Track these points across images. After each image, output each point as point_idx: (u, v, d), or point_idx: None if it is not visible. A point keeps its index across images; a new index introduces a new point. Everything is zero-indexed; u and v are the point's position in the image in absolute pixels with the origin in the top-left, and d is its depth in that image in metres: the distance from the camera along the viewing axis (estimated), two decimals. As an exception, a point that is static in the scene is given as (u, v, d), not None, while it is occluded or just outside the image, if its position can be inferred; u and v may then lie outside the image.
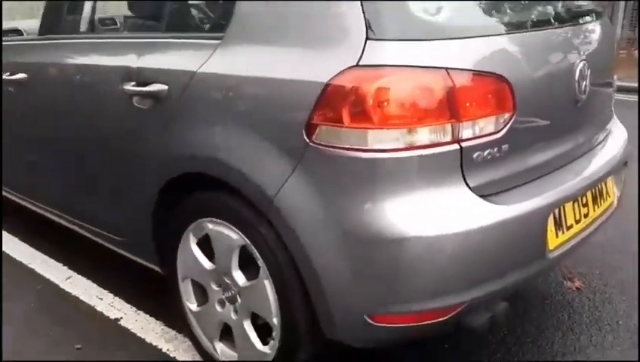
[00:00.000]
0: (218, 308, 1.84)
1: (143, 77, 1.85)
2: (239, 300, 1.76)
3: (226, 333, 1.87)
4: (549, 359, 2.00)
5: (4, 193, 2.93)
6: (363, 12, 1.43)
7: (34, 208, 2.75)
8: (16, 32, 3.07)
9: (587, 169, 1.88)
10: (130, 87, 1.86)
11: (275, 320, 1.66)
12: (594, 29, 1.99)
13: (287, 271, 1.59)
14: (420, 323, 1.53)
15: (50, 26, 2.35)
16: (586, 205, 1.84)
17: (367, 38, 1.42)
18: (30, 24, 3.19)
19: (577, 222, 1.79)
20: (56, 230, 2.83)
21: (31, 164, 2.51)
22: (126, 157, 1.98)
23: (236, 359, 1.85)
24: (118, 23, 2.78)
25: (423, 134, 1.43)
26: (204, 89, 1.68)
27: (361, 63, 1.41)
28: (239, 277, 1.74)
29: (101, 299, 2.44)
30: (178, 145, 1.75)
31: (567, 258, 1.89)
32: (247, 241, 1.66)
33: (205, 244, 1.83)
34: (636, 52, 8.71)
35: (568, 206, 1.74)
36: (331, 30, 1.49)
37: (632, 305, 2.29)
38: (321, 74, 1.44)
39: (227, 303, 1.81)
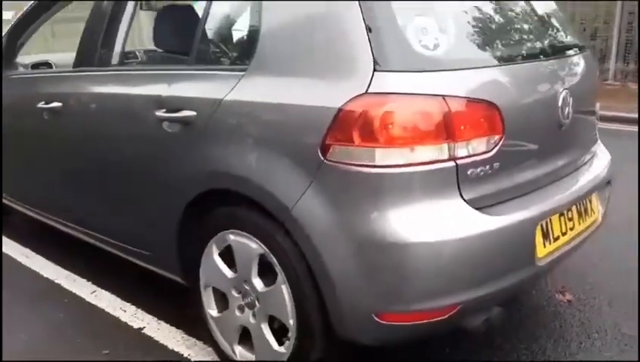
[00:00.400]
0: (238, 313, 2.02)
1: (173, 104, 2.07)
2: (258, 305, 1.94)
3: (244, 337, 2.05)
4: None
5: (34, 214, 3.13)
6: (371, 47, 1.65)
7: (61, 228, 2.94)
8: (47, 64, 3.31)
9: (572, 186, 2.08)
10: (161, 113, 2.08)
11: (291, 322, 1.84)
12: (577, 62, 2.22)
13: (302, 276, 1.77)
14: (421, 322, 1.70)
15: (83, 59, 2.58)
16: (571, 219, 2.03)
17: (374, 70, 1.64)
18: (59, 57, 3.46)
19: (563, 234, 1.98)
20: (81, 248, 3.04)
21: (63, 185, 2.72)
22: (155, 176, 2.19)
23: (254, 360, 2.02)
24: (146, 57, 3.01)
25: (424, 152, 1.63)
26: (230, 114, 1.90)
27: (369, 91, 1.63)
28: (258, 284, 1.92)
29: (125, 310, 2.61)
30: (205, 164, 1.96)
31: (555, 266, 2.06)
32: (266, 250, 1.85)
33: (226, 255, 2.02)
34: (630, 84, 8.96)
35: (555, 219, 1.94)
36: (343, 63, 1.71)
37: (619, 316, 2.45)
38: (334, 100, 1.66)
39: (246, 308, 1.99)
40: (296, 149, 1.73)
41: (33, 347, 2.35)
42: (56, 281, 2.91)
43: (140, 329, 2.46)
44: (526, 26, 2.11)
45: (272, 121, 1.81)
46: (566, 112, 1.99)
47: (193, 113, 1.99)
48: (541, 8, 2.23)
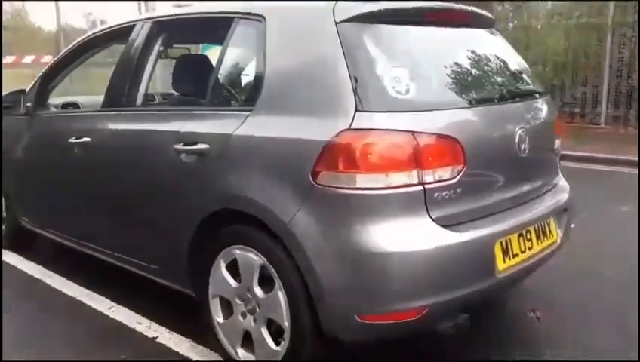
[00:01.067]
0: (240, 318, 2.33)
1: (189, 138, 2.44)
2: (258, 310, 2.26)
3: (245, 339, 2.36)
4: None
5: (59, 239, 3.47)
6: (354, 92, 2.02)
7: (84, 250, 3.28)
8: (74, 104, 3.72)
9: (531, 211, 2.41)
10: (180, 146, 2.45)
11: (286, 324, 2.15)
12: (535, 105, 2.59)
13: (296, 283, 2.09)
14: (395, 321, 2.02)
15: (111, 100, 2.97)
16: (530, 239, 2.35)
17: (356, 110, 2.00)
18: (84, 98, 3.88)
19: (522, 252, 2.30)
20: (99, 269, 3.37)
21: (89, 211, 3.07)
22: (171, 200, 2.54)
23: (254, 360, 2.32)
24: (165, 99, 3.41)
25: (396, 178, 1.98)
26: (238, 147, 2.26)
27: (352, 127, 1.99)
28: (259, 291, 2.24)
29: (140, 323, 2.91)
30: (216, 189, 2.31)
31: (517, 280, 2.38)
32: (266, 262, 2.18)
33: (231, 267, 2.34)
34: (620, 129, 9.35)
35: (514, 238, 2.27)
36: (331, 104, 2.07)
37: (583, 330, 2.74)
38: (323, 135, 2.02)
39: (248, 314, 2.31)
40: (292, 175, 2.08)
41: (56, 355, 2.64)
42: (77, 298, 3.23)
43: (154, 338, 2.76)
44: (487, 75, 2.48)
45: (272, 151, 2.17)
46: (522, 147, 2.34)
47: (207, 146, 2.36)
48: (503, 59, 2.61)
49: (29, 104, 3.49)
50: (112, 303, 3.14)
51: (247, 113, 2.30)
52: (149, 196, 2.66)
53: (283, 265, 2.12)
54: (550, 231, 2.50)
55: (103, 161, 2.91)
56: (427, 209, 2.03)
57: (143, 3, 10.13)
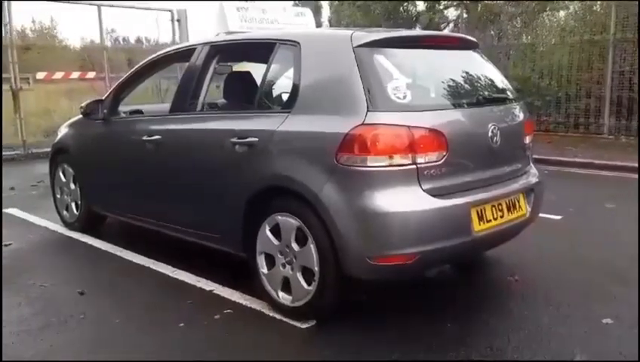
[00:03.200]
0: (281, 268, 3.10)
1: (242, 134, 3.23)
2: (294, 261, 3.03)
3: (284, 285, 3.12)
4: (487, 311, 3.18)
5: (130, 220, 4.29)
6: (366, 98, 2.79)
7: (150, 226, 4.09)
8: (139, 111, 4.56)
9: (503, 188, 3.16)
10: (235, 140, 3.24)
11: (316, 268, 2.92)
12: (507, 108, 3.34)
13: (323, 237, 2.86)
14: (396, 263, 2.77)
15: (177, 106, 3.80)
16: (501, 210, 3.10)
17: (367, 110, 2.78)
18: (146, 107, 4.72)
19: (494, 219, 3.05)
20: (160, 242, 4.17)
21: (158, 193, 3.89)
22: (228, 181, 3.33)
23: (291, 299, 3.08)
24: (219, 105, 4.23)
25: (397, 159, 2.75)
26: (281, 139, 3.05)
27: (364, 123, 2.76)
28: (295, 246, 3.01)
29: (199, 281, 3.69)
30: (264, 170, 3.09)
31: (490, 242, 3.12)
32: (301, 223, 2.95)
33: (273, 230, 3.12)
34: (622, 138, 9.97)
35: (488, 207, 3.01)
36: (349, 106, 2.85)
37: (545, 290, 3.46)
38: (344, 128, 2.79)
39: (287, 264, 3.08)
40: (321, 158, 2.86)
41: (134, 303, 3.43)
42: (145, 265, 4.03)
43: (211, 291, 3.54)
44: (467, 85, 3.25)
45: (306, 141, 2.96)
46: (494, 140, 3.09)
47: (256, 139, 3.15)
48: (482, 73, 3.37)
49: (105, 111, 4.33)
50: (174, 268, 3.92)
51: (287, 114, 3.09)
52: (211, 179, 3.45)
53: (314, 225, 2.89)
54: (519, 206, 3.24)
55: (172, 153, 3.72)
56: (419, 182, 2.79)
57: (176, 25, 10.99)
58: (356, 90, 2.84)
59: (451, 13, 15.52)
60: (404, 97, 2.85)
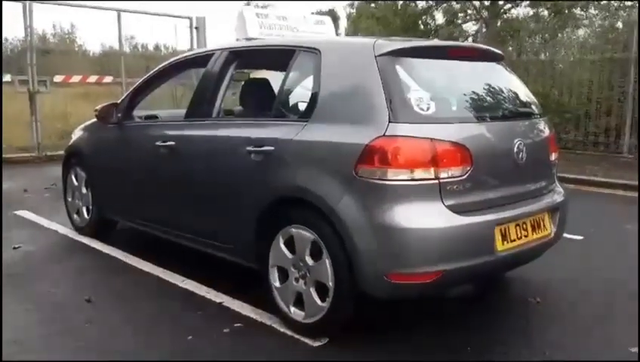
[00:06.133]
0: (294, 282, 2.99)
1: (258, 142, 3.14)
2: (308, 275, 2.92)
3: (297, 300, 3.00)
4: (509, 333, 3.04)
5: (142, 227, 4.21)
6: (388, 108, 2.69)
7: (162, 235, 4.00)
8: (154, 116, 4.49)
9: (528, 207, 3.03)
10: (251, 148, 3.15)
11: (331, 284, 2.80)
12: (533, 123, 3.22)
13: (339, 253, 2.74)
14: (416, 282, 2.65)
15: (193, 112, 3.72)
16: (525, 229, 2.97)
17: (389, 122, 2.67)
18: (162, 112, 4.65)
19: (518, 238, 2.92)
20: (169, 250, 4.08)
21: (172, 201, 3.80)
22: (243, 190, 3.23)
23: (304, 315, 2.96)
24: (235, 112, 4.14)
25: (418, 173, 2.64)
26: (299, 148, 2.95)
27: (385, 134, 2.66)
28: (309, 260, 2.90)
29: (208, 292, 3.59)
30: (280, 180, 2.99)
31: (513, 262, 2.98)
32: (317, 237, 2.84)
33: (287, 243, 3.01)
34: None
35: (512, 226, 2.88)
36: (370, 117, 2.75)
37: (568, 314, 3.31)
38: (364, 139, 2.69)
39: (300, 279, 2.96)
40: (339, 169, 2.75)
41: (146, 313, 3.33)
42: (154, 274, 3.94)
43: (220, 303, 3.43)
44: (492, 98, 3.13)
45: (324, 151, 2.85)
46: (520, 156, 2.97)
47: (272, 148, 3.06)
48: (507, 86, 3.26)
49: (119, 115, 4.27)
50: (184, 278, 3.82)
51: (305, 123, 2.99)
52: (224, 187, 3.36)
53: (330, 239, 2.77)
54: (544, 225, 3.11)
55: (185, 159, 3.63)
56: (441, 197, 2.67)
57: (194, 32, 10.99)
58: (378, 100, 2.73)
59: (470, 27, 15.44)
60: (428, 109, 2.74)
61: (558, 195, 3.32)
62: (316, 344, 2.90)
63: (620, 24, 11.38)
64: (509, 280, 3.74)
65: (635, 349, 2.83)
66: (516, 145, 2.96)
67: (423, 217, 2.63)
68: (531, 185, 3.14)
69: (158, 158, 3.81)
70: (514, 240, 2.89)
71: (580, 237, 4.84)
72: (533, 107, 3.36)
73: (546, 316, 3.28)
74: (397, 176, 2.63)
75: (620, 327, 3.11)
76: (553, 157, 3.36)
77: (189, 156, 3.62)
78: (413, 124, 2.69)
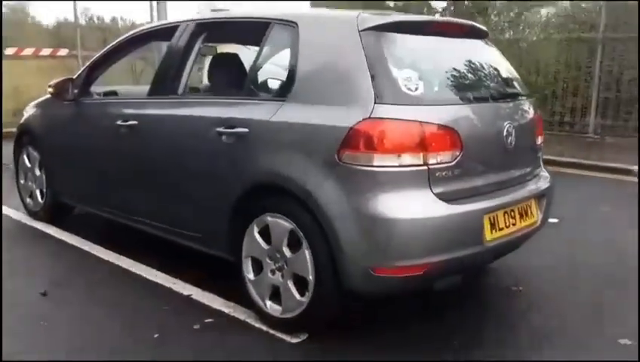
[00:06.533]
0: (270, 275, 2.78)
1: (230, 123, 2.89)
2: (286, 267, 2.71)
3: (273, 293, 2.80)
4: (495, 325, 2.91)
5: (101, 213, 3.91)
6: (373, 88, 2.48)
7: (124, 221, 3.72)
8: (114, 93, 4.17)
9: (515, 193, 2.88)
10: (221, 129, 2.89)
11: (311, 277, 2.60)
12: (521, 105, 3.06)
13: (320, 243, 2.54)
14: (403, 275, 2.47)
15: (157, 89, 3.42)
16: (513, 217, 2.82)
17: (375, 103, 2.46)
18: (122, 88, 4.33)
19: (507, 226, 2.76)
20: (133, 239, 3.82)
21: (134, 185, 3.52)
22: (213, 175, 2.99)
23: (281, 310, 2.76)
24: (203, 90, 3.84)
25: (406, 159, 2.44)
26: (275, 130, 2.71)
27: (371, 116, 2.45)
28: (287, 252, 2.69)
29: (174, 283, 3.34)
30: (256, 165, 2.75)
31: (501, 251, 2.84)
32: (295, 226, 2.62)
33: (262, 232, 2.79)
34: (607, 138, 9.84)
35: (500, 214, 2.73)
36: (354, 97, 2.53)
37: (552, 303, 3.20)
38: (347, 122, 2.47)
39: (277, 271, 2.75)
40: (320, 154, 2.53)
41: (102, 309, 3.07)
42: (115, 263, 3.66)
43: (189, 296, 3.19)
44: (482, 78, 2.95)
45: (304, 134, 2.62)
46: (509, 140, 2.81)
47: (245, 129, 2.81)
48: (495, 65, 3.08)
49: (76, 91, 3.93)
50: (148, 267, 3.57)
51: (281, 103, 2.75)
52: (193, 171, 3.10)
53: (310, 229, 2.57)
54: (531, 212, 2.97)
55: (149, 141, 3.35)
56: (430, 185, 2.48)
57: (154, 3, 10.48)
58: (362, 78, 2.51)
59: (438, 4, 15.25)
60: (416, 89, 2.54)
61: (544, 181, 3.18)
62: (294, 340, 2.71)
63: (585, 4, 11.37)
64: (487, 267, 3.61)
65: (625, 341, 2.74)
66: (506, 129, 2.80)
67: (412, 206, 2.44)
68: (519, 171, 2.99)
69: (118, 139, 3.52)
70: (502, 229, 2.74)
71: (555, 220, 4.76)
72: (520, 87, 3.20)
73: (531, 306, 3.16)
74: (383, 162, 2.43)
75: (608, 316, 3.02)
76: (539, 140, 3.22)
77: (152, 137, 3.34)
78: (401, 106, 2.49)
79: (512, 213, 2.82)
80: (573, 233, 4.54)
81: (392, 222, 2.41)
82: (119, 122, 3.49)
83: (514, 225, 2.82)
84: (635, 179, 7.10)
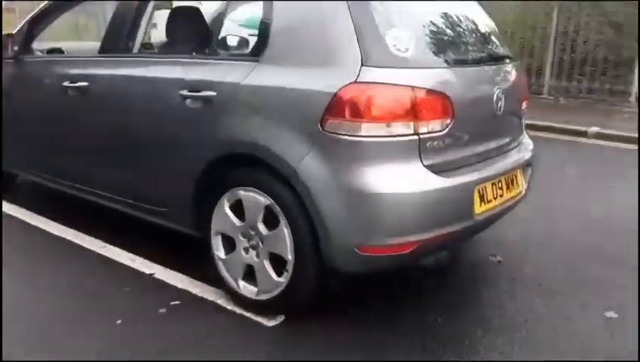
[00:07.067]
0: (243, 253, 2.55)
1: (194, 86, 2.59)
2: (261, 245, 2.48)
3: (247, 274, 2.58)
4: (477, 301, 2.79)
5: (49, 183, 3.54)
6: (359, 48, 2.23)
7: (74, 192, 3.38)
8: (59, 50, 3.75)
9: (502, 163, 2.72)
10: (185, 92, 2.60)
11: (290, 257, 2.38)
12: (509, 69, 2.88)
13: (301, 220, 2.32)
14: (391, 254, 2.29)
15: (109, 46, 3.06)
16: (501, 188, 2.66)
17: (362, 65, 2.22)
18: (68, 45, 3.91)
19: (495, 198, 2.61)
20: (86, 211, 3.50)
21: (85, 153, 3.17)
22: (175, 143, 2.69)
23: (256, 292, 2.55)
24: (161, 48, 3.47)
25: (396, 128, 2.23)
26: (248, 95, 2.44)
27: (357, 80, 2.21)
28: (263, 229, 2.46)
29: (133, 260, 3.07)
30: (226, 134, 2.48)
31: (488, 224, 2.70)
32: (272, 202, 2.39)
33: (234, 207, 2.54)
34: (561, 100, 9.93)
35: (489, 186, 2.57)
36: (338, 58, 2.28)
37: (533, 274, 3.11)
38: (331, 86, 2.23)
39: (250, 249, 2.53)
40: (301, 122, 2.29)
41: (57, 291, 2.77)
42: (66, 238, 3.34)
43: (151, 274, 2.94)
44: (472, 40, 2.75)
45: (282, 100, 2.36)
46: (499, 105, 2.63)
47: (213, 93, 2.52)
48: (483, 26, 2.88)
49: (16, 47, 3.50)
50: (103, 243, 3.27)
51: (254, 63, 2.47)
52: (154, 140, 2.80)
53: (289, 205, 2.34)
54: (517, 182, 2.83)
55: (102, 104, 3.01)
56: (420, 156, 2.29)
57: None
58: (347, 37, 2.26)
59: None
60: (406, 50, 2.31)
61: (528, 149, 3.04)
62: (271, 323, 2.51)
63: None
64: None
65: (611, 313, 2.67)
66: (496, 94, 2.62)
67: (402, 180, 2.24)
68: (505, 139, 2.83)
69: (66, 102, 3.16)
70: (490, 201, 2.58)
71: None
72: (507, 49, 3.01)
73: (512, 278, 3.06)
74: (371, 132, 2.21)
75: (590, 289, 2.95)
76: (524, 105, 3.06)
77: (105, 100, 3.00)
78: (391, 69, 2.26)
79: (500, 184, 2.67)
80: (543, 199, 4.47)
81: (380, 197, 2.21)
82: (66, 83, 3.12)
83: (501, 196, 2.67)
84: (590, 141, 7.24)
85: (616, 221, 3.92)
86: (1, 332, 2.34)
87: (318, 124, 2.24)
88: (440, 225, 2.34)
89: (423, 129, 2.27)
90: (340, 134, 2.22)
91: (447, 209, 2.36)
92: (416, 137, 2.26)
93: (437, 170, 2.34)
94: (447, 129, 2.36)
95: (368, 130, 2.20)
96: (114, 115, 2.97)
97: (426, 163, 2.30)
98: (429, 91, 2.29)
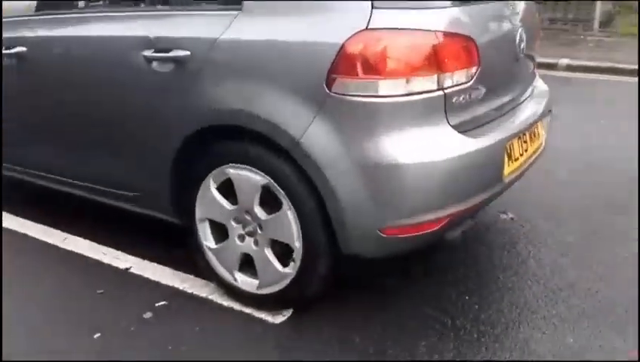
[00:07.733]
0: (238, 241, 2.16)
1: (162, 44, 2.11)
2: (260, 232, 2.10)
3: (245, 264, 2.20)
4: (499, 268, 2.50)
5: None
6: (369, -13, 1.80)
7: (26, 178, 2.88)
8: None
9: (526, 114, 2.38)
10: (149, 53, 2.12)
11: (297, 244, 2.01)
12: (526, 6, 2.49)
13: (308, 202, 1.94)
14: (419, 233, 1.93)
15: (48, 3, 2.51)
16: (526, 142, 2.33)
17: (372, 7, 1.80)
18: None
19: (521, 155, 2.28)
20: (43, 199, 3.02)
21: (33, 132, 2.67)
22: (143, 116, 2.24)
23: (257, 285, 2.18)
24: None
25: (418, 83, 1.83)
26: (229, 54, 1.99)
27: (369, 27, 1.79)
28: (260, 213, 2.07)
29: (105, 253, 2.64)
30: (205, 102, 2.04)
31: (512, 183, 2.38)
32: (271, 180, 1.99)
33: (222, 189, 2.14)
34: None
35: (515, 141, 2.22)
36: (341, 1, 1.85)
37: (551, 230, 2.84)
38: (337, 36, 1.81)
39: (247, 237, 2.14)
40: (301, 84, 1.87)
41: (24, 295, 2.35)
42: (20, 231, 2.87)
43: (127, 269, 2.52)
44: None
45: (275, 58, 1.92)
46: (521, 47, 2.27)
47: (187, 53, 2.06)
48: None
49: None
50: (66, 234, 2.82)
51: (235, 13, 2.01)
52: (115, 114, 2.32)
53: (292, 184, 1.95)
54: (539, 133, 2.50)
55: (45, 73, 2.49)
56: (446, 115, 1.91)
57: None
58: (351, -26, 1.83)
59: None
60: (422, -13, 1.89)
61: (545, 95, 2.70)
62: (278, 320, 2.16)
63: None
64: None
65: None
66: (519, 34, 2.24)
67: (429, 146, 1.87)
68: (525, 86, 2.48)
69: (5, 72, 2.61)
70: (517, 159, 2.25)
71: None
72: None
73: (529, 236, 2.78)
74: (390, 90, 1.81)
75: (607, 237, 2.71)
76: (537, 45, 2.70)
77: (51, 68, 2.49)
78: (408, 10, 1.84)
79: (524, 138, 2.33)
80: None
81: (405, 169, 1.83)
82: (2, 50, 2.57)
83: (526, 151, 2.34)
84: (561, 73, 7.04)
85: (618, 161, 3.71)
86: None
87: (324, 85, 1.82)
88: (473, 194, 1.99)
89: (447, 82, 1.89)
90: (352, 95, 1.81)
91: (480, 174, 2.01)
92: (441, 93, 1.87)
93: (463, 129, 1.97)
94: (472, 80, 1.97)
95: (387, 89, 1.80)
96: (61, 86, 2.46)
97: (453, 123, 1.93)
98: (454, 35, 1.89)
